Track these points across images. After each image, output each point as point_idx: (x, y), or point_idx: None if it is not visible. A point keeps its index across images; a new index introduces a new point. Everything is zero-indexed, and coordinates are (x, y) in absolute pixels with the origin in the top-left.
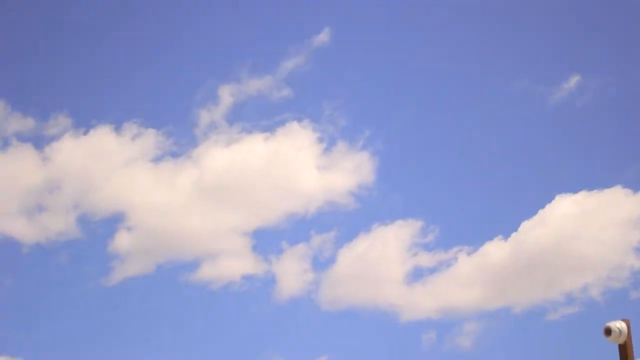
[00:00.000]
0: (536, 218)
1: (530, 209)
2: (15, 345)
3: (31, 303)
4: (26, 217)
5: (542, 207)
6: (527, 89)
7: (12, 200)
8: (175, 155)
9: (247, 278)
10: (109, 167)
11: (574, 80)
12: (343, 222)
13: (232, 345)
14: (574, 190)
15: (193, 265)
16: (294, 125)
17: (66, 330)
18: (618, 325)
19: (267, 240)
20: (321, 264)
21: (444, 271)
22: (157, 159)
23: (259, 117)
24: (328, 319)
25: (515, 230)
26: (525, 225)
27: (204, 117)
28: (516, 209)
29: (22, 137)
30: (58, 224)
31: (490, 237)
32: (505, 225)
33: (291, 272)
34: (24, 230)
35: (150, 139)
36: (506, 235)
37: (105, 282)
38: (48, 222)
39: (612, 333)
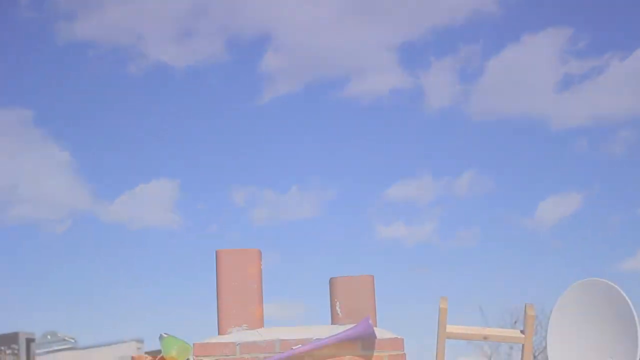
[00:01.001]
0: None
1: None
2: (172, 169)
3: (186, 127)
4: (176, 43)
5: None
6: None
7: (161, 27)
8: None
9: (396, 92)
10: None
11: None
12: (490, 32)
13: (383, 160)
14: None
15: (341, 82)
16: None
17: (220, 150)
18: None
19: (414, 54)
20: (469, 75)
21: (595, 78)
22: None
23: None
24: (478, 130)
25: None
26: None
27: None
28: None
29: None
30: (207, 47)
31: None
32: None
33: (439, 84)
34: (175, 56)
35: None
36: None
37: (256, 102)
38: (197, 46)
39: None
